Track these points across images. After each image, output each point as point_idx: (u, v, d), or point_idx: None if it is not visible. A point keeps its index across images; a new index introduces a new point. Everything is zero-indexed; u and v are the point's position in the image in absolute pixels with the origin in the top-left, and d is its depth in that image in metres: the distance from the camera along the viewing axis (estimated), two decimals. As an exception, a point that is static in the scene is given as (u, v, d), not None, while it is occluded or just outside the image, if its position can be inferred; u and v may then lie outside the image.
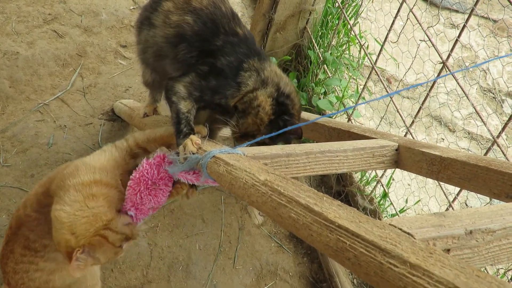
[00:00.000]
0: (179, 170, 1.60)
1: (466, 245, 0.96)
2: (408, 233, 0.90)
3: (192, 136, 1.65)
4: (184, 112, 1.73)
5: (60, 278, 1.85)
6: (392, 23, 2.39)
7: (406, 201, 2.73)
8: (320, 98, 3.05)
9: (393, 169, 2.07)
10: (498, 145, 1.95)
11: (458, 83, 2.10)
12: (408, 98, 3.71)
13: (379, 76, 2.55)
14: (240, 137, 1.81)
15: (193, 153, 1.59)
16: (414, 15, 2.23)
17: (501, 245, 1.00)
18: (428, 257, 0.78)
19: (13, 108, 2.88)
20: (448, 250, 0.94)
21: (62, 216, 1.60)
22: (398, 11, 2.39)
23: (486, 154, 2.03)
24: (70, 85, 3.07)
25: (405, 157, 1.77)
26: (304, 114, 2.55)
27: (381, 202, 2.72)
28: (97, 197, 1.66)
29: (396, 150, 1.80)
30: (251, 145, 1.69)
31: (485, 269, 2.22)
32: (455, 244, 0.94)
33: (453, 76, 2.07)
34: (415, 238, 0.88)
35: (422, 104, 2.29)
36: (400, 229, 0.92)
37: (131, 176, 1.70)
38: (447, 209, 2.29)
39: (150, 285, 2.45)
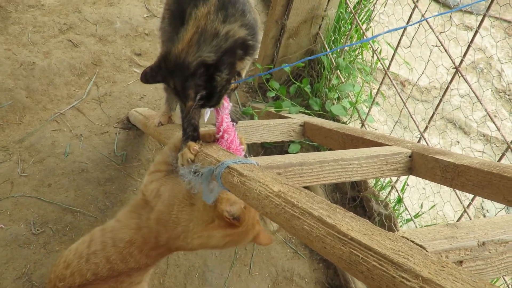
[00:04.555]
0: (201, 184, 1.62)
1: (479, 256, 0.96)
2: (421, 246, 0.91)
3: (190, 143, 1.71)
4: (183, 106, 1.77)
5: None
6: (404, 29, 2.39)
7: (421, 206, 2.73)
8: (333, 104, 3.06)
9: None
10: (513, 151, 1.95)
11: (471, 88, 2.10)
12: (422, 101, 3.70)
13: (391, 81, 2.55)
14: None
15: (191, 160, 1.67)
16: (426, 21, 2.23)
17: (514, 255, 1.00)
18: (440, 270, 0.79)
19: (30, 118, 2.92)
20: (461, 262, 0.95)
21: None
22: (410, 16, 2.39)
23: (500, 159, 2.02)
24: (85, 94, 3.11)
25: (419, 164, 1.78)
26: (318, 120, 2.56)
27: (396, 207, 2.72)
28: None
29: (410, 157, 1.81)
30: None
31: (503, 278, 2.21)
32: (467, 256, 0.95)
33: (466, 81, 2.07)
34: (427, 251, 0.89)
35: (436, 109, 2.29)
36: (413, 242, 0.93)
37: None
38: (462, 215, 2.28)
39: (167, 292, 2.47)
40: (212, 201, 1.64)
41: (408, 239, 0.93)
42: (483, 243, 0.96)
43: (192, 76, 1.52)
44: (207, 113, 1.79)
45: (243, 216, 1.72)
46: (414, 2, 2.35)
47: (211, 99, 1.61)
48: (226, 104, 1.78)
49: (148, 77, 1.61)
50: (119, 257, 1.86)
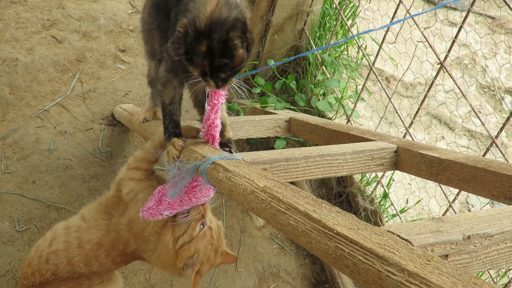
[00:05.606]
0: (183, 183, 1.61)
1: (464, 250, 0.96)
2: (406, 240, 0.91)
3: (174, 139, 1.71)
4: (167, 104, 1.76)
5: None
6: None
7: (407, 202, 2.74)
8: (319, 100, 3.06)
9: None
10: (497, 145, 1.96)
11: (456, 84, 2.11)
12: (407, 97, 3.71)
13: (377, 77, 2.55)
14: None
15: (177, 156, 1.66)
16: (413, 19, 2.24)
17: (499, 249, 1.01)
18: (426, 264, 0.79)
19: (14, 115, 2.89)
20: (446, 256, 0.95)
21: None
22: (395, 12, 2.39)
23: (485, 154, 2.03)
24: (69, 90, 3.08)
25: (404, 159, 1.78)
26: (304, 116, 2.56)
27: (381, 203, 2.73)
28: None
29: (395, 152, 1.81)
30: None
31: (488, 271, 2.23)
32: (453, 250, 0.95)
33: (451, 76, 2.08)
34: (413, 245, 0.89)
35: (421, 104, 2.30)
36: (399, 236, 0.93)
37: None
38: (447, 210, 2.30)
39: (153, 289, 2.46)
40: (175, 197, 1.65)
41: (393, 234, 0.93)
42: (469, 237, 0.96)
43: (233, 29, 1.48)
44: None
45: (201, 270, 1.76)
46: (399, -2, 2.36)
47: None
48: (222, 101, 1.75)
49: (171, 52, 1.54)
50: (83, 259, 1.81)
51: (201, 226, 1.75)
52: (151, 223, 1.76)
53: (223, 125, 1.82)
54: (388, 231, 0.94)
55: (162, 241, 1.74)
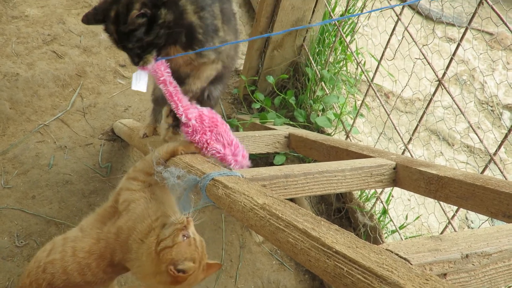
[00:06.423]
0: (186, 193, 1.61)
1: (462, 269, 0.97)
2: (405, 259, 0.91)
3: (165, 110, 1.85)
4: (152, 93, 1.93)
5: None
6: (388, 41, 2.41)
7: (406, 218, 2.74)
8: (318, 115, 3.07)
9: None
10: (495, 162, 1.96)
11: (454, 100, 2.12)
12: (406, 113, 3.72)
13: (376, 93, 2.56)
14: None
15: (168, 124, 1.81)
16: (409, 34, 2.25)
17: (497, 268, 1.01)
18: (424, 283, 0.79)
19: (14, 130, 2.90)
20: (444, 275, 0.95)
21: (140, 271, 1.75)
22: (393, 30, 2.41)
23: (483, 171, 2.04)
24: (70, 105, 3.09)
25: (403, 176, 1.79)
26: (303, 132, 2.57)
27: (381, 219, 2.72)
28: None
29: (394, 168, 1.82)
30: None
31: None
32: (451, 269, 0.95)
33: (449, 94, 2.09)
34: (411, 264, 0.89)
35: (420, 120, 2.31)
36: (397, 254, 0.93)
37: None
38: (446, 226, 2.30)
39: (152, 305, 2.45)
40: (188, 212, 1.64)
41: (392, 252, 0.94)
42: (467, 256, 0.97)
43: None
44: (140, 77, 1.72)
45: (189, 272, 1.67)
46: (397, 15, 2.37)
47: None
48: (167, 74, 1.74)
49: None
50: (77, 268, 1.79)
51: (184, 238, 1.72)
52: (136, 230, 1.76)
53: None
54: (386, 249, 0.95)
55: (146, 244, 1.73)
